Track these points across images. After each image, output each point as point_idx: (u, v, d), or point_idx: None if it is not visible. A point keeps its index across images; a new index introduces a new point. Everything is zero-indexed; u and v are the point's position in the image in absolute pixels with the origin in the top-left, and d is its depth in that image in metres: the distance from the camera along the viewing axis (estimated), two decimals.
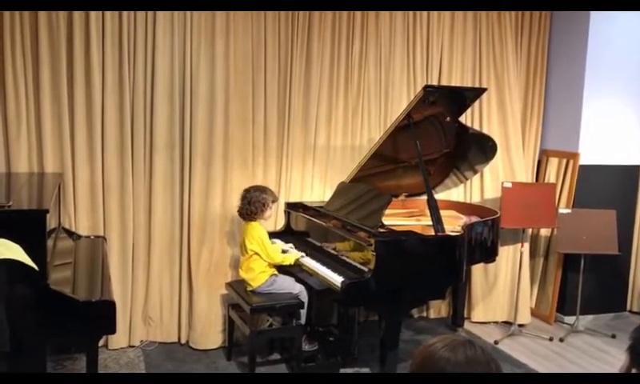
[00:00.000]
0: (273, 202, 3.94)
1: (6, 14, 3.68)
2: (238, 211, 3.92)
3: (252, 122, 4.32)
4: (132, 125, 4.03)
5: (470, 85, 4.82)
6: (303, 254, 3.86)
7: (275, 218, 4.30)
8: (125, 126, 4.00)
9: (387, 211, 3.70)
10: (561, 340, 4.65)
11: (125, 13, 3.91)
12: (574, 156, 4.89)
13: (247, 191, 3.91)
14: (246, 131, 4.30)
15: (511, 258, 4.95)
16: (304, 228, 4.26)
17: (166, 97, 4.07)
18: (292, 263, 3.82)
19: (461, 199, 4.88)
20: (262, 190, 3.92)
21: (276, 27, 4.30)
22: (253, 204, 3.84)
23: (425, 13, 4.68)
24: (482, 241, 4.01)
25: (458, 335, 1.31)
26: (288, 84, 4.36)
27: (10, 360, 2.54)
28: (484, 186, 4.94)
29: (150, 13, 3.97)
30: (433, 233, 3.65)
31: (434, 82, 4.72)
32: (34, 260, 2.41)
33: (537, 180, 5.17)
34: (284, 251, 3.94)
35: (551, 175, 5.09)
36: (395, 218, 4.12)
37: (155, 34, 3.99)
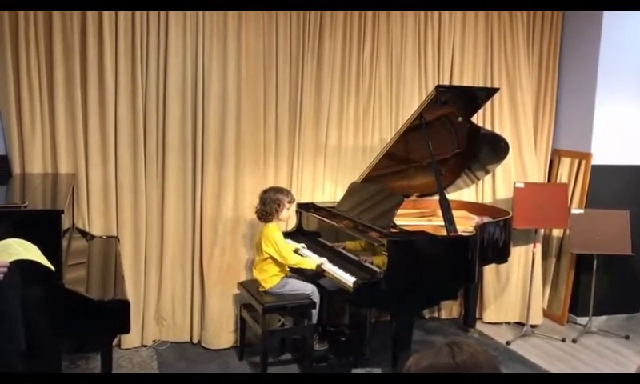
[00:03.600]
0: (289, 202, 3.91)
1: (21, 16, 3.72)
2: (255, 212, 3.93)
3: (263, 123, 4.33)
4: (144, 126, 4.06)
5: (481, 85, 4.81)
6: (324, 260, 3.77)
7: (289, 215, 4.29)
8: (137, 127, 4.03)
9: (399, 211, 3.70)
10: (573, 341, 4.63)
11: (137, 14, 3.94)
12: (587, 156, 4.86)
13: (264, 192, 3.92)
14: (257, 132, 4.31)
15: (523, 258, 4.93)
16: (315, 228, 4.26)
17: (178, 98, 4.09)
18: (313, 268, 3.77)
19: (472, 199, 4.87)
20: (277, 190, 3.92)
21: (287, 28, 4.31)
22: (268, 204, 3.84)
23: (436, 12, 4.68)
24: (494, 241, 3.99)
25: (437, 345, 1.29)
26: (299, 84, 4.37)
27: (25, 359, 2.56)
28: (496, 186, 4.93)
29: (162, 14, 4.00)
30: (444, 233, 3.64)
31: (446, 82, 4.71)
32: (49, 260, 2.44)
33: (549, 180, 5.14)
34: (296, 251, 3.94)
35: (563, 175, 5.07)
36: (407, 219, 4.12)
37: (168, 35, 4.01)
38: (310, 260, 3.80)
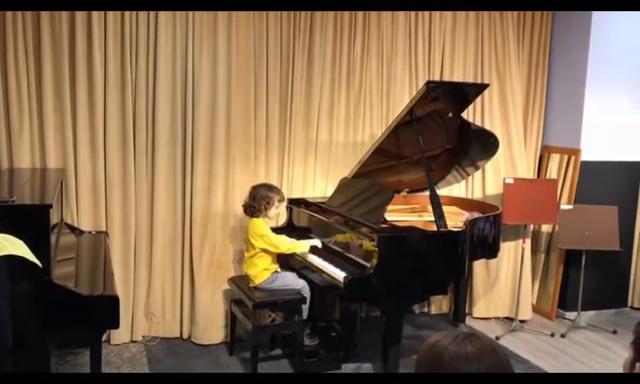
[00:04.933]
0: (279, 200, 3.91)
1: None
2: (243, 206, 3.92)
3: (254, 118, 4.32)
4: (134, 121, 4.04)
5: (471, 80, 4.82)
6: (318, 241, 3.76)
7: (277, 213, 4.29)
8: (127, 122, 4.00)
9: (389, 207, 3.71)
10: (562, 336, 4.66)
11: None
12: (576, 152, 4.89)
13: (254, 187, 3.91)
14: (247, 127, 4.30)
15: (513, 253, 4.95)
16: (306, 224, 4.26)
17: (167, 93, 4.07)
18: (306, 251, 3.76)
19: (462, 195, 4.89)
20: (268, 187, 3.91)
21: (278, 22, 4.29)
22: (257, 200, 3.83)
23: None
24: (483, 237, 4.01)
25: (459, 330, 1.32)
26: (290, 79, 4.36)
27: (13, 355, 2.54)
28: (485, 181, 4.95)
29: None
30: (435, 228, 3.65)
31: (436, 78, 4.71)
32: (37, 255, 2.42)
33: (538, 176, 5.17)
34: None
35: (553, 171, 5.09)
36: (397, 214, 4.13)
37: (157, 30, 3.99)
38: (303, 243, 3.79)
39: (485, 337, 1.28)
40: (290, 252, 3.82)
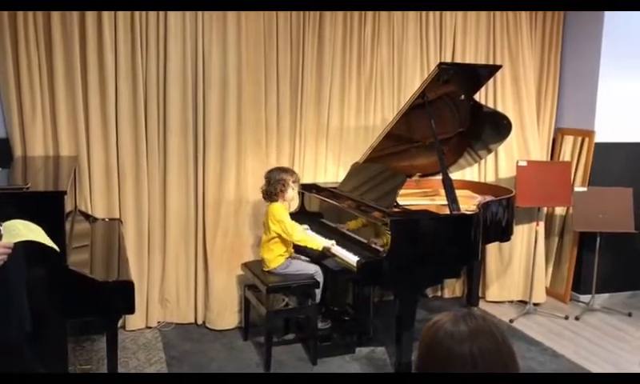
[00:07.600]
0: (294, 182, 3.90)
1: None
2: (261, 193, 3.93)
3: (265, 104, 4.31)
4: (145, 108, 4.04)
5: (484, 63, 4.77)
6: (333, 242, 3.72)
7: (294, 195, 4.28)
8: (138, 110, 4.01)
9: (402, 191, 3.70)
10: (576, 318, 4.65)
11: None
12: (590, 134, 4.84)
13: (269, 172, 3.91)
14: (258, 113, 4.30)
15: (526, 236, 4.93)
16: (318, 209, 4.26)
17: (178, 80, 4.07)
18: (319, 249, 3.72)
19: (475, 179, 4.86)
20: (282, 170, 3.92)
21: None
22: (272, 184, 3.84)
23: None
24: (497, 220, 3.99)
25: (461, 310, 1.34)
26: (300, 65, 4.34)
27: (31, 341, 2.57)
28: (498, 165, 4.91)
29: None
30: (447, 212, 3.64)
31: (448, 61, 4.67)
32: (52, 242, 2.43)
33: (552, 158, 5.13)
34: None
35: (566, 153, 5.05)
36: (409, 198, 4.12)
37: (167, 18, 3.99)
38: (316, 240, 3.79)
39: (484, 317, 1.27)
40: (300, 243, 3.82)
